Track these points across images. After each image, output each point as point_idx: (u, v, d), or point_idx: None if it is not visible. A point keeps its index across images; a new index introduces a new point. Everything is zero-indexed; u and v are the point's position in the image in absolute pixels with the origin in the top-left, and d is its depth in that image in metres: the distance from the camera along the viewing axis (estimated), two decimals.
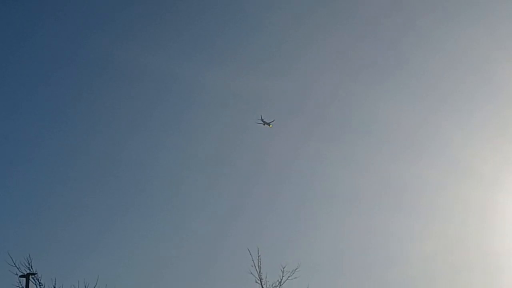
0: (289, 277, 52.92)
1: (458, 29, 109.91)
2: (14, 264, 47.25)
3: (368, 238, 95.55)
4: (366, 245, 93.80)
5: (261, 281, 52.86)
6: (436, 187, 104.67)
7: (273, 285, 52.79)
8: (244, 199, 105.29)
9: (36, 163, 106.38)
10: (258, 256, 53.16)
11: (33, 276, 47.42)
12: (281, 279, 52.86)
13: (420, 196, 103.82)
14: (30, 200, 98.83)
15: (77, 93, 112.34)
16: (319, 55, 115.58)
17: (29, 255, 47.61)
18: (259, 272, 52.97)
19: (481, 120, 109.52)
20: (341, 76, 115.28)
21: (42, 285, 47.64)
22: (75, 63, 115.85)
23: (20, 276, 47.31)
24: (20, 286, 47.28)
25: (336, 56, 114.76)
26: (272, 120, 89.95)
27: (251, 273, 53.11)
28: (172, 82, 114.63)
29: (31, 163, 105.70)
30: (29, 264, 47.24)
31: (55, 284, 47.76)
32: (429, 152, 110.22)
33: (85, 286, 48.09)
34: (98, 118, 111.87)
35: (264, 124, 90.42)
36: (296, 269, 52.93)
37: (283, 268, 52.87)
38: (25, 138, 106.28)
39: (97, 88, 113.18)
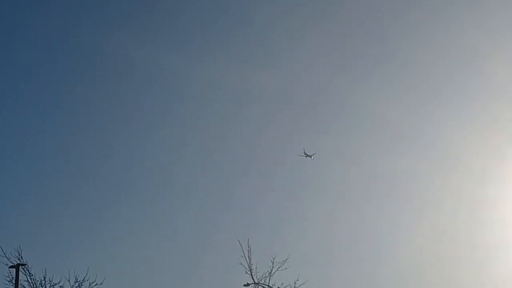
0: (279, 268, 53.13)
1: (448, 21, 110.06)
2: (4, 254, 47.33)
3: (358, 229, 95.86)
4: (355, 236, 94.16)
5: (251, 272, 53.05)
6: (425, 179, 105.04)
7: (263, 276, 53.05)
8: (234, 191, 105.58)
9: (26, 156, 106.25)
10: (248, 247, 53.38)
11: (23, 266, 47.36)
12: (271, 270, 53.07)
13: (409, 188, 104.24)
14: (20, 191, 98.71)
15: (65, 86, 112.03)
16: (308, 47, 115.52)
17: (19, 245, 47.74)
18: (249, 263, 53.19)
19: (470, 113, 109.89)
20: (331, 68, 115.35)
21: (32, 275, 47.65)
22: (63, 55, 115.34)
23: (10, 267, 47.25)
24: (10, 276, 47.22)
25: (325, 48, 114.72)
26: (314, 153, 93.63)
27: (241, 264, 53.35)
28: (161, 74, 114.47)
29: (21, 155, 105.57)
30: (19, 254, 47.35)
31: (45, 274, 47.84)
32: (418, 144, 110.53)
33: (76, 277, 48.23)
34: (87, 110, 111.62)
35: (306, 157, 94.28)
36: (286, 260, 53.12)
37: (273, 259, 53.09)
38: (14, 131, 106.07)
39: (85, 81, 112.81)
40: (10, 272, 47.34)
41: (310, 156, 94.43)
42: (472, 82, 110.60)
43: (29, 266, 47.62)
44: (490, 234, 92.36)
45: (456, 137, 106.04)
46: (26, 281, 47.52)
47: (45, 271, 47.86)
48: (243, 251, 53.20)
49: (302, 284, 52.83)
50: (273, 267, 53.00)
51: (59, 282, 47.88)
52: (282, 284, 53.14)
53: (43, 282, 47.62)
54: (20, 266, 47.18)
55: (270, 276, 53.03)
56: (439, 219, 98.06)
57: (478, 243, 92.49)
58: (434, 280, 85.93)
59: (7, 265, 47.32)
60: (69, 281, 48.02)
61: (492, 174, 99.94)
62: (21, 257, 47.28)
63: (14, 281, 46.97)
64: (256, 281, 52.89)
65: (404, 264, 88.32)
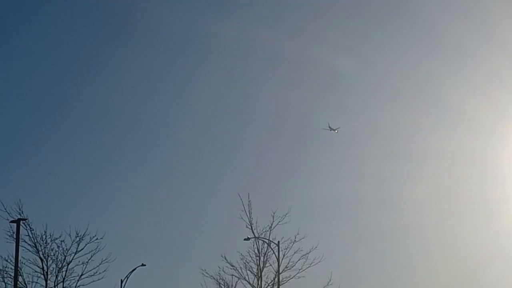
0: (279, 222, 53.20)
1: None
2: (5, 209, 47.16)
3: (360, 183, 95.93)
4: (357, 190, 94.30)
5: (251, 226, 53.12)
6: (426, 134, 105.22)
7: (264, 230, 53.13)
8: (236, 145, 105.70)
9: (27, 108, 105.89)
10: (249, 201, 53.44)
11: (24, 221, 47.19)
12: (272, 224, 53.15)
13: (411, 144, 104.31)
14: (21, 145, 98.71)
15: (69, 38, 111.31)
16: (310, 2, 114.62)
17: (20, 200, 47.59)
18: (250, 217, 53.27)
19: (471, 68, 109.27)
20: (333, 22, 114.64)
21: (33, 230, 47.59)
22: (66, 6, 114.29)
23: (11, 222, 47.03)
24: (11, 231, 47.11)
25: (325, 4, 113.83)
26: (338, 127, 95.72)
27: (241, 218, 53.44)
28: (165, 28, 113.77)
29: (21, 107, 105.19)
30: (20, 209, 47.16)
31: (46, 229, 47.89)
32: (420, 100, 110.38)
33: (76, 232, 48.26)
34: (91, 64, 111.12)
35: (330, 130, 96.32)
36: (286, 214, 53.21)
37: (274, 213, 53.16)
38: (14, 82, 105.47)
39: (87, 36, 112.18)
40: (11, 227, 47.18)
41: (335, 130, 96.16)
42: (473, 38, 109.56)
43: (30, 221, 47.54)
44: (491, 189, 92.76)
45: (457, 92, 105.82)
46: (27, 235, 47.49)
47: (46, 226, 47.95)
48: (243, 205, 53.32)
49: (302, 238, 52.94)
50: (273, 221, 53.15)
51: (60, 236, 47.91)
52: (283, 238, 53.29)
53: (44, 236, 47.64)
54: (21, 221, 46.99)
55: (271, 230, 53.15)
56: (438, 174, 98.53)
57: (478, 198, 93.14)
58: (435, 233, 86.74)
59: (7, 219, 47.13)
60: (70, 235, 48.10)
61: (493, 129, 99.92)
62: (22, 212, 47.11)
63: (15, 236, 46.95)
64: (257, 235, 53.01)
65: (405, 218, 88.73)
